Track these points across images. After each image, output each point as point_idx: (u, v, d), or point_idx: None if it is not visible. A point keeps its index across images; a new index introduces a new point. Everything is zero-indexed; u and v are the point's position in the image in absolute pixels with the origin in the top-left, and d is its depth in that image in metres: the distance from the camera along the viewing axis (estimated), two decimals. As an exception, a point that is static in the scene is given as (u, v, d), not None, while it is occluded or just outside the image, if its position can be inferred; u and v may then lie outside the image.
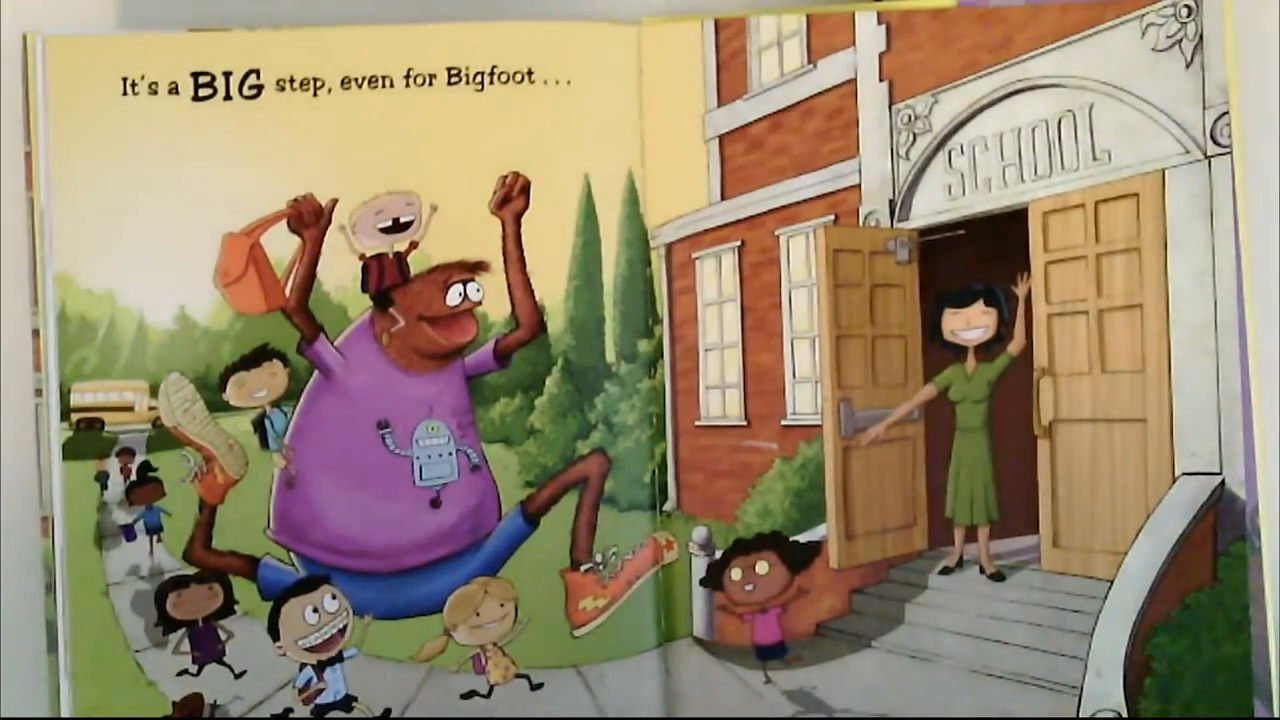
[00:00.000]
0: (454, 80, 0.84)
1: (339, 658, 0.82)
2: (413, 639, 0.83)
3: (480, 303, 0.85)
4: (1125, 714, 0.77)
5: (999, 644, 0.82)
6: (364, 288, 0.84)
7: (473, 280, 0.84)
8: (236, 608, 0.82)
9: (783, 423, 0.89)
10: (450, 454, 0.84)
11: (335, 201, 0.83)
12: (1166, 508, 0.79)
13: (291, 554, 0.83)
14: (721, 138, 0.88)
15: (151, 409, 0.82)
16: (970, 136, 0.85)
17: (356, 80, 0.83)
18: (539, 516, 0.84)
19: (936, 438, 0.88)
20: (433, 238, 0.84)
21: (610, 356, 0.85)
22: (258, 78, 0.83)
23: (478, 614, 0.83)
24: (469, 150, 0.84)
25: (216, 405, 0.83)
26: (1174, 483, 0.79)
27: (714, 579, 0.84)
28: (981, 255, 0.87)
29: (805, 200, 0.88)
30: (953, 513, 0.87)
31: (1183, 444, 0.79)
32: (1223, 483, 0.77)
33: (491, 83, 0.84)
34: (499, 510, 0.85)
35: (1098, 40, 0.81)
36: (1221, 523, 0.77)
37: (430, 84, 0.84)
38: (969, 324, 0.87)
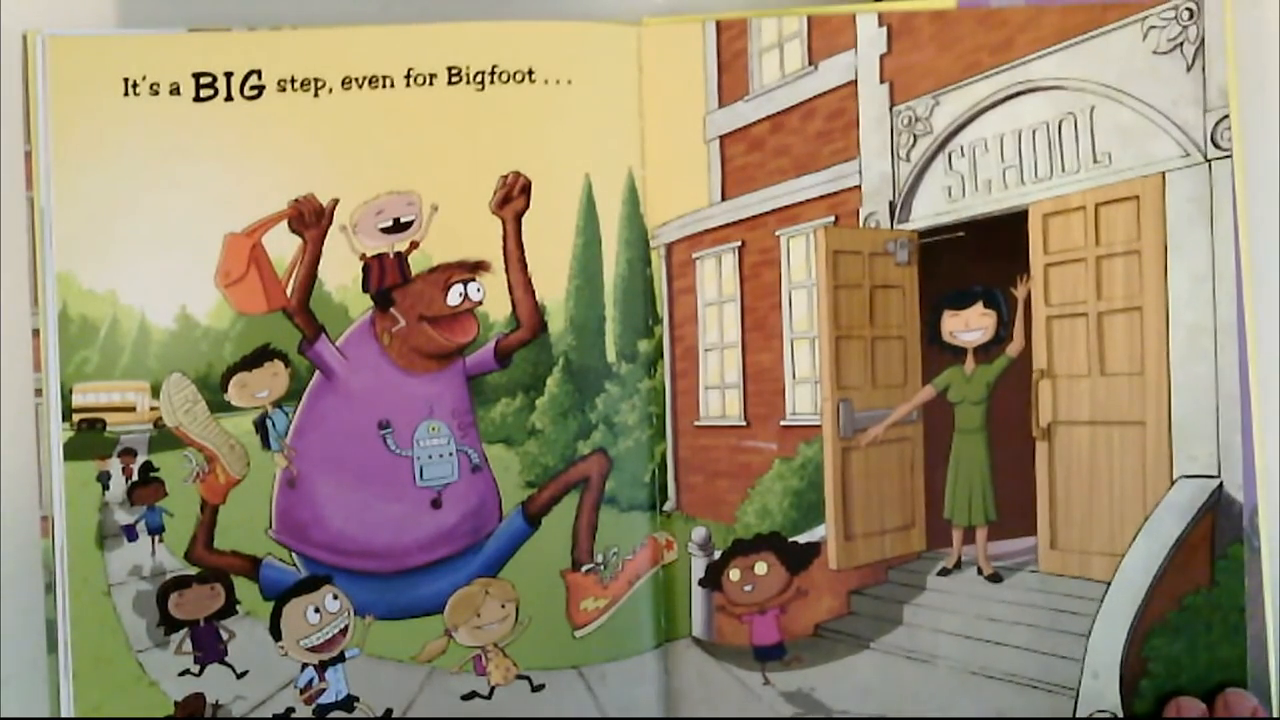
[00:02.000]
0: (454, 80, 0.84)
1: (340, 658, 0.83)
2: (414, 639, 0.83)
3: (481, 303, 0.85)
4: (1121, 715, 0.78)
5: (996, 645, 0.82)
6: (365, 288, 0.84)
7: (473, 280, 0.84)
8: (238, 608, 0.83)
9: (782, 423, 0.89)
10: (451, 454, 0.85)
11: (336, 201, 0.83)
12: (1164, 510, 0.79)
13: (293, 554, 0.83)
14: (722, 138, 0.88)
15: (153, 409, 0.82)
16: (971, 138, 0.85)
17: (357, 80, 0.83)
18: (540, 517, 0.84)
19: (935, 439, 0.88)
20: (433, 238, 0.84)
21: (611, 356, 0.85)
22: (259, 78, 0.82)
23: (479, 615, 0.83)
24: (469, 150, 0.84)
25: (218, 405, 0.83)
26: (1172, 485, 0.79)
27: (713, 580, 0.85)
28: (981, 257, 0.87)
29: (806, 201, 0.88)
30: (951, 514, 0.88)
31: (1181, 447, 0.79)
32: (1221, 485, 0.78)
33: (492, 83, 0.84)
34: (500, 511, 0.85)
35: (1099, 43, 0.81)
36: (1219, 526, 0.78)
37: (430, 84, 0.83)
38: (968, 326, 0.87)
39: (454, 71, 0.84)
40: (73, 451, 0.82)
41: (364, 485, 0.84)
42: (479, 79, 0.84)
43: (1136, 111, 0.80)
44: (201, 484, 0.83)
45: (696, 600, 0.85)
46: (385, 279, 0.84)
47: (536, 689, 0.83)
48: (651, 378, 0.85)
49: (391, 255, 0.84)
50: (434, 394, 0.85)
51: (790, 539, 0.85)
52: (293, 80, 0.83)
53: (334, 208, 0.83)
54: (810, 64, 0.86)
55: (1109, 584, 0.79)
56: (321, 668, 0.82)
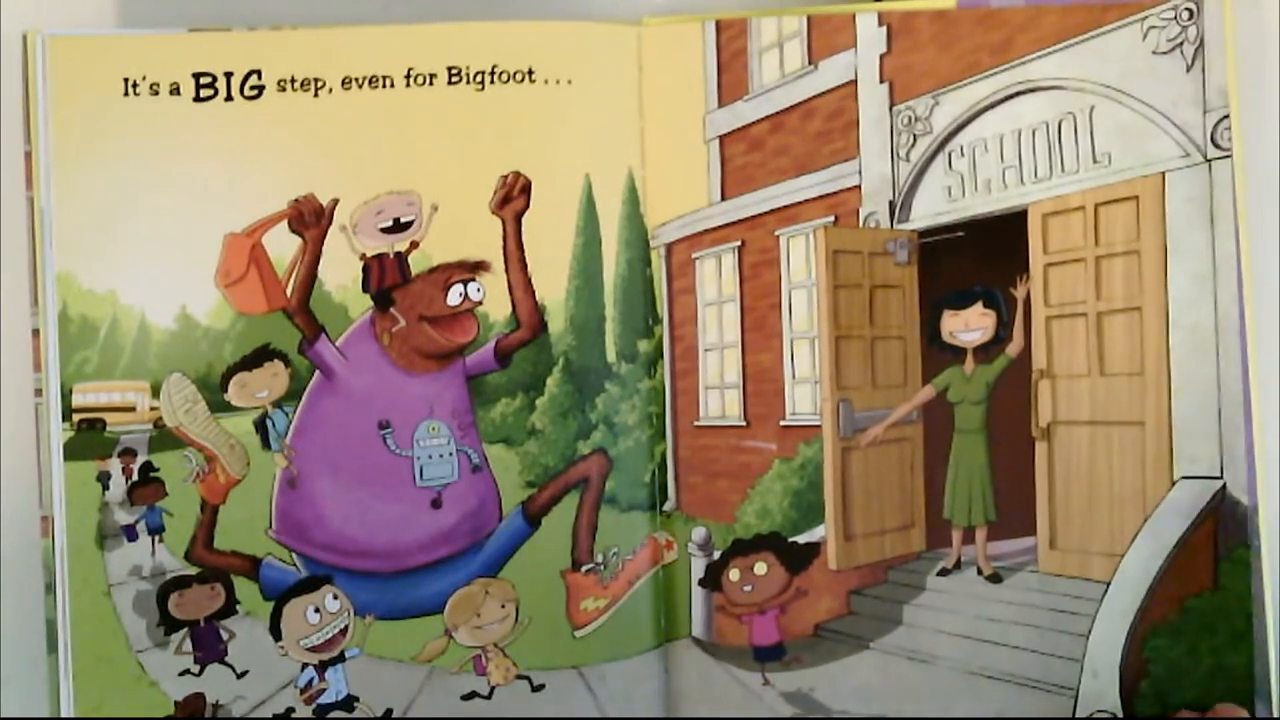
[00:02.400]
0: (454, 80, 0.84)
1: (341, 658, 0.83)
2: (414, 640, 0.83)
3: (481, 302, 0.85)
4: (1121, 715, 0.78)
5: (996, 645, 0.82)
6: (365, 288, 0.84)
7: (473, 280, 0.84)
8: (238, 608, 0.83)
9: (782, 423, 0.89)
10: (451, 454, 0.85)
11: (336, 201, 0.83)
12: (1165, 511, 0.79)
13: (293, 554, 0.83)
14: (722, 138, 0.88)
15: (153, 409, 0.82)
16: (970, 138, 0.85)
17: (357, 80, 0.83)
18: (540, 517, 0.84)
19: (935, 439, 0.88)
20: (433, 237, 0.84)
21: (611, 356, 0.85)
22: (259, 78, 0.82)
23: (479, 615, 0.83)
24: (469, 150, 0.84)
25: (218, 405, 0.83)
26: (1172, 486, 0.79)
27: (713, 580, 0.85)
28: (981, 257, 0.87)
29: (805, 201, 0.88)
30: (951, 514, 0.88)
31: (1182, 447, 0.79)
32: (1224, 487, 0.78)
33: (492, 83, 0.84)
34: (500, 511, 0.85)
35: (1099, 43, 0.81)
36: (1223, 528, 0.78)
37: (430, 84, 0.83)
38: (968, 326, 0.87)
39: (454, 71, 0.84)
40: (73, 451, 0.82)
41: (364, 485, 0.84)
42: (479, 79, 0.84)
43: (1136, 111, 0.80)
44: (201, 484, 0.83)
45: (696, 600, 0.85)
46: (385, 279, 0.84)
47: (536, 689, 0.83)
48: (651, 378, 0.85)
49: (391, 255, 0.84)
50: (434, 394, 0.85)
51: (790, 539, 0.85)
52: (293, 80, 0.83)
53: (334, 208, 0.83)
54: (810, 64, 0.86)
55: (1109, 584, 0.79)
56: (321, 668, 0.82)
